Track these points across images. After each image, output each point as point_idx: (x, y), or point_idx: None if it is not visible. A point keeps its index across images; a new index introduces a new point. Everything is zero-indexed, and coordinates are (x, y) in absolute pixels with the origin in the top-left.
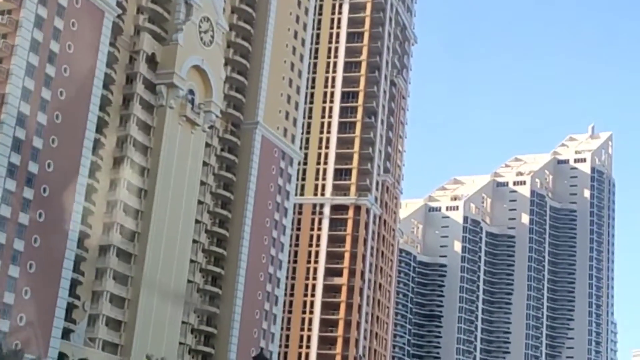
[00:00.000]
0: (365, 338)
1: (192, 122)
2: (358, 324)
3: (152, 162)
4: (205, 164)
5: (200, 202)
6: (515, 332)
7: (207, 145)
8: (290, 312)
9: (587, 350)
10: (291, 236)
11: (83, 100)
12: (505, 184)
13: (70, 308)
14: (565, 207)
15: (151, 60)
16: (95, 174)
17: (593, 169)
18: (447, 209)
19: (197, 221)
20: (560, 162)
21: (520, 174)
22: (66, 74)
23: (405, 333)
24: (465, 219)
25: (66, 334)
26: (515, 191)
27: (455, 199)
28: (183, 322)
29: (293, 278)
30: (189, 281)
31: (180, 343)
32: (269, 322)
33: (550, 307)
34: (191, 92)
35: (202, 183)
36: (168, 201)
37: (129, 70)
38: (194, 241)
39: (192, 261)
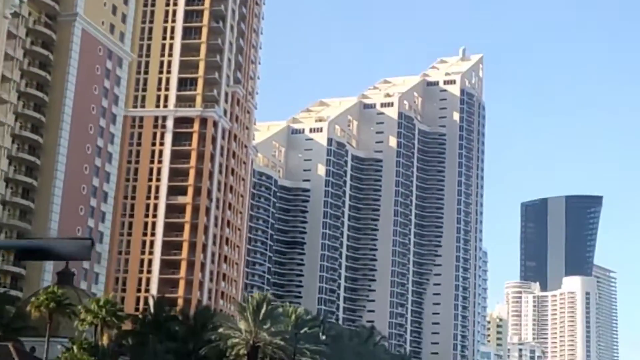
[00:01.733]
0: (212, 262)
1: None
2: (204, 246)
3: None
4: (9, 57)
5: (3, 101)
6: (381, 259)
7: (13, 36)
8: (129, 234)
9: (454, 277)
10: (130, 152)
11: None
12: (373, 106)
13: None
14: (434, 130)
15: None
16: None
17: (463, 91)
18: (310, 131)
19: None
20: (429, 84)
21: (388, 95)
22: None
23: (265, 261)
24: (330, 141)
25: None
26: (382, 113)
27: (319, 121)
28: None
29: (133, 198)
30: None
31: None
32: (94, 240)
33: (418, 234)
34: None
35: (6, 79)
36: None
37: None
38: None
39: None
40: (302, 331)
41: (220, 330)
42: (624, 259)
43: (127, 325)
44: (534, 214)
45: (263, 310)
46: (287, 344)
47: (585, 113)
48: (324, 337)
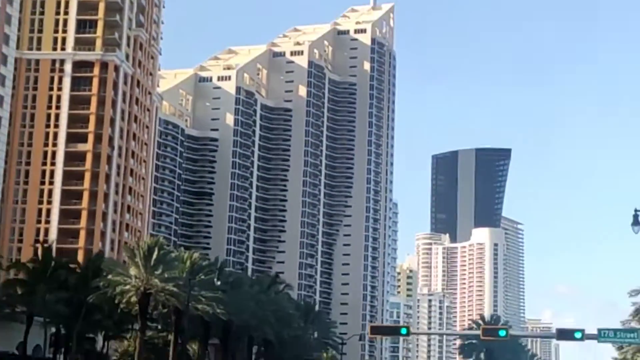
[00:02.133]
0: (115, 211)
1: None
2: (106, 195)
3: None
4: None
5: None
6: (291, 210)
7: None
8: (26, 182)
9: (364, 228)
10: (26, 96)
11: None
12: (282, 54)
13: None
14: (345, 80)
15: None
16: None
17: (373, 41)
18: (218, 79)
19: None
20: (340, 32)
21: (298, 44)
22: None
23: (172, 211)
24: (238, 90)
25: None
26: (292, 62)
27: (228, 69)
28: None
29: (30, 145)
30: None
31: None
32: None
33: (328, 185)
34: None
35: None
36: None
37: None
38: None
39: None
40: (197, 278)
41: (110, 277)
42: (530, 211)
43: (22, 276)
44: (445, 166)
45: (155, 256)
46: (181, 290)
47: (496, 66)
48: (219, 283)
